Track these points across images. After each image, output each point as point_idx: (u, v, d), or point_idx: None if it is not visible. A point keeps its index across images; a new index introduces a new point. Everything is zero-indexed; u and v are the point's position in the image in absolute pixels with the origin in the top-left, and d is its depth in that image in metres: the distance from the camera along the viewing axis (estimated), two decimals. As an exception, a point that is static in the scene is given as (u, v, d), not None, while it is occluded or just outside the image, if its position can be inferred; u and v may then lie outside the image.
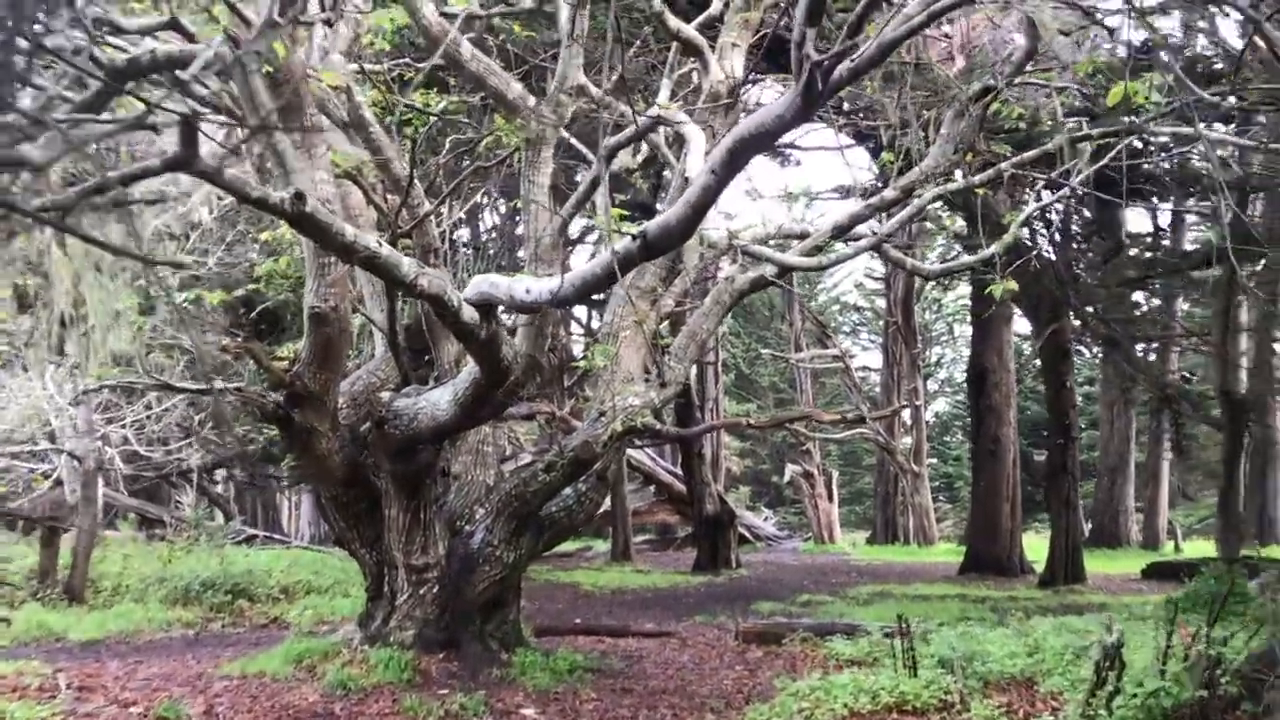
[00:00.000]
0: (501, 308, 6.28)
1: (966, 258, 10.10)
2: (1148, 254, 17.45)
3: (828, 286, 52.99)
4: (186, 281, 20.76)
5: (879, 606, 15.45)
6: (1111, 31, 6.82)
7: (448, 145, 11.86)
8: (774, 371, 48.19)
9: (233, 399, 8.89)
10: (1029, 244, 16.41)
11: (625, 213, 7.42)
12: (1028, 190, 16.79)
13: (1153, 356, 25.21)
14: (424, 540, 9.54)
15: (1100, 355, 29.72)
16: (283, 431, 9.35)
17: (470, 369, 7.60)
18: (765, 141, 4.34)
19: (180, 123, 3.78)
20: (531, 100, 8.24)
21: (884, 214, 8.85)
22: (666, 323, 12.14)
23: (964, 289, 48.05)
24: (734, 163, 4.40)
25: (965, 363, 50.26)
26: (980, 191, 8.43)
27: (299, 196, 4.40)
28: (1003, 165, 8.05)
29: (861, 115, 13.48)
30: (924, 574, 21.78)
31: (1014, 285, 7.90)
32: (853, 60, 4.15)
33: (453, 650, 9.46)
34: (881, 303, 47.89)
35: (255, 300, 20.16)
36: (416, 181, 10.78)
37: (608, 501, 24.40)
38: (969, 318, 48.54)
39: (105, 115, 4.11)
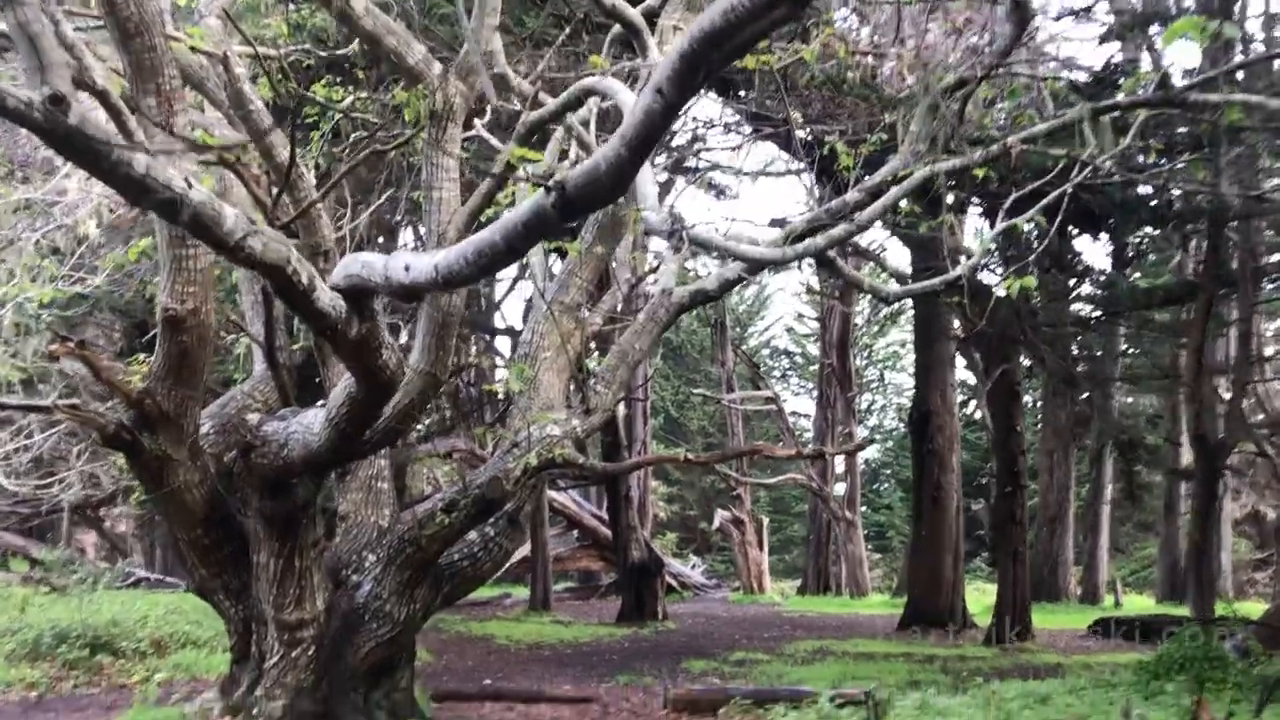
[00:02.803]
0: (380, 296, 4.95)
1: (930, 280, 8.96)
2: (1104, 290, 16.69)
3: (758, 329, 52.27)
4: (72, 298, 19.03)
5: (820, 666, 14.20)
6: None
7: (351, 139, 10.50)
8: (703, 415, 47.11)
9: (64, 416, 7.35)
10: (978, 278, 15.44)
11: (539, 157, 6.10)
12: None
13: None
14: (299, 592, 8.02)
15: (1044, 399, 29.00)
16: (130, 460, 7.83)
17: (345, 382, 6.18)
18: (737, 42, 3.05)
19: None
20: (437, 66, 6.95)
21: (848, 220, 7.68)
22: (593, 345, 10.88)
23: (896, 335, 47.68)
24: (690, 77, 3.10)
25: (896, 409, 49.94)
26: (981, 173, 7.29)
27: (56, 100, 3.02)
28: (1010, 140, 6.93)
29: (814, 123, 12.44)
30: (862, 627, 20.59)
31: (1032, 281, 6.76)
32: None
33: (330, 724, 7.96)
34: (813, 348, 47.23)
35: (149, 324, 18.48)
36: (308, 174, 9.40)
37: (527, 547, 22.91)
38: (901, 364, 48.43)
39: None
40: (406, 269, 4.26)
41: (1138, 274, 22.87)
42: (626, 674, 13.15)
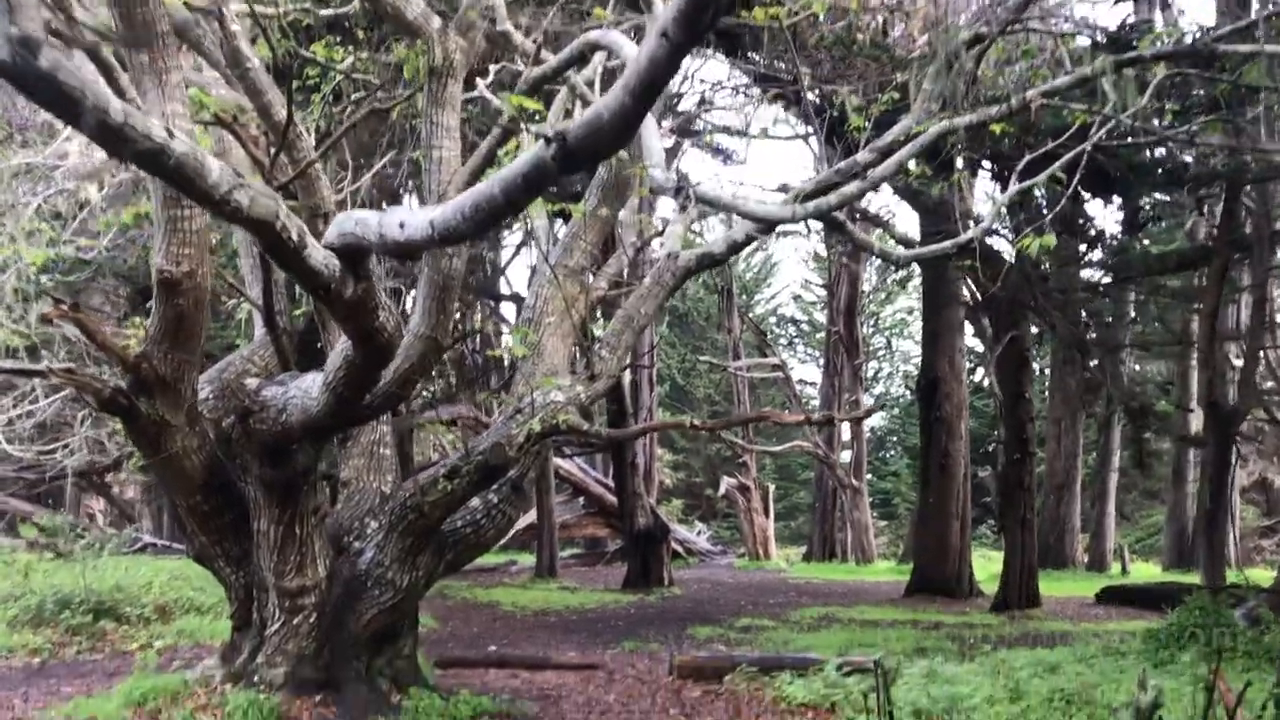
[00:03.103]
0: (375, 255, 4.77)
1: (941, 243, 8.77)
2: (1115, 255, 16.45)
3: (765, 296, 52.02)
4: (74, 264, 18.87)
5: (826, 633, 14.12)
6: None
7: (350, 100, 10.29)
8: (710, 382, 46.97)
9: (59, 380, 7.23)
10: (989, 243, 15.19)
11: (538, 107, 5.92)
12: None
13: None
14: (300, 559, 7.92)
15: (1053, 365, 28.75)
16: (127, 425, 7.71)
17: (342, 345, 6.04)
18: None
19: None
20: (436, 21, 6.75)
21: (859, 180, 7.47)
22: (598, 310, 10.72)
23: (904, 301, 47.41)
24: (697, 17, 2.94)
25: (903, 376, 49.71)
26: (999, 129, 7.10)
27: (26, 43, 2.85)
28: (1030, 94, 6.72)
29: (824, 83, 12.19)
30: (868, 594, 20.52)
31: (1051, 240, 6.59)
32: None
33: (331, 692, 7.87)
34: (819, 316, 46.98)
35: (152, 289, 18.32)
36: (307, 135, 9.21)
37: (533, 513, 22.85)
38: (908, 331, 48.17)
39: None
40: (401, 226, 4.10)
41: (1146, 240, 22.58)
42: (632, 640, 13.08)
